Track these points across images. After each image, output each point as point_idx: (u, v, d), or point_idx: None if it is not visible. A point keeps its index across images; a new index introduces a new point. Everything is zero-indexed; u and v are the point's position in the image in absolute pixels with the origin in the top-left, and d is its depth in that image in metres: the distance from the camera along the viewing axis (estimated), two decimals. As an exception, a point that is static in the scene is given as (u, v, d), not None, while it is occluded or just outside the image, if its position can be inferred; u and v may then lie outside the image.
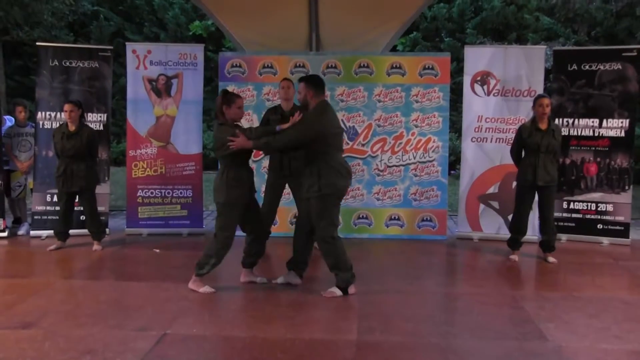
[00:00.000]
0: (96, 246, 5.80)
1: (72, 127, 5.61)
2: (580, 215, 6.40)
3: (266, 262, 5.52)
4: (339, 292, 4.24)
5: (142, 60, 6.55)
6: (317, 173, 4.12)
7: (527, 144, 5.34)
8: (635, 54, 6.30)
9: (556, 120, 6.34)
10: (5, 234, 6.30)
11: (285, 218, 6.42)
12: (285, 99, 5.55)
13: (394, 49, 10.33)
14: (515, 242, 5.57)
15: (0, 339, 3.48)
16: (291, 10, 6.59)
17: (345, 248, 4.28)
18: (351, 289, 4.26)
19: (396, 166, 6.40)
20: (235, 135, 4.21)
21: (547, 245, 5.48)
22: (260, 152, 6.31)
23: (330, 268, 4.28)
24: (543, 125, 5.29)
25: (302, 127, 4.15)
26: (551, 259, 5.45)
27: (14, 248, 6.00)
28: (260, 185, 6.21)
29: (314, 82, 4.30)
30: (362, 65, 6.42)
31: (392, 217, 6.39)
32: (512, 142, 5.65)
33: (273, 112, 5.62)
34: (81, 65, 6.47)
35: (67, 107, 5.61)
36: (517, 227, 5.51)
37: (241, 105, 4.47)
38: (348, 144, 6.37)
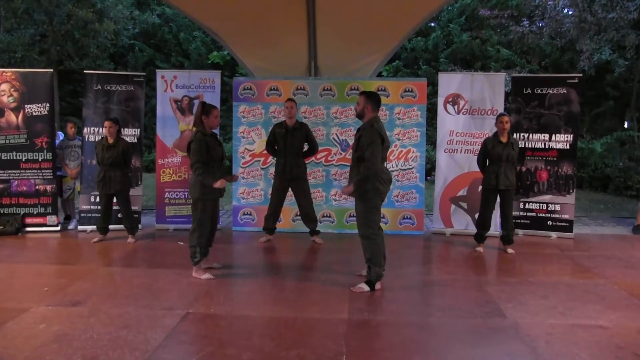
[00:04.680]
0: (130, 239, 5.79)
1: (110, 140, 5.61)
2: (533, 214, 6.40)
3: (273, 253, 5.52)
4: (366, 288, 4.07)
5: (169, 84, 6.55)
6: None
7: (490, 154, 5.34)
8: (577, 80, 6.33)
9: (514, 135, 6.34)
10: (58, 228, 6.30)
11: (288, 216, 6.41)
12: (289, 117, 5.56)
13: (379, 75, 10.34)
14: (480, 237, 5.57)
15: (55, 314, 3.50)
16: (293, 42, 6.60)
17: (384, 246, 4.10)
18: (377, 285, 4.10)
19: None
20: (212, 143, 4.24)
21: (506, 239, 5.48)
22: (269, 160, 6.33)
23: (366, 261, 4.12)
24: (504, 139, 5.29)
25: (375, 140, 3.87)
26: (510, 250, 5.46)
27: (64, 240, 5.98)
28: (268, 188, 6.23)
29: (374, 98, 4.06)
30: (353, 88, 6.42)
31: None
32: (478, 152, 5.65)
33: (279, 126, 5.63)
34: (119, 88, 6.47)
35: (106, 123, 5.62)
36: (482, 224, 5.50)
37: (217, 115, 4.37)
38: (341, 154, 6.38)
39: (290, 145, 5.50)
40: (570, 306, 3.79)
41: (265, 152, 6.00)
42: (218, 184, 4.17)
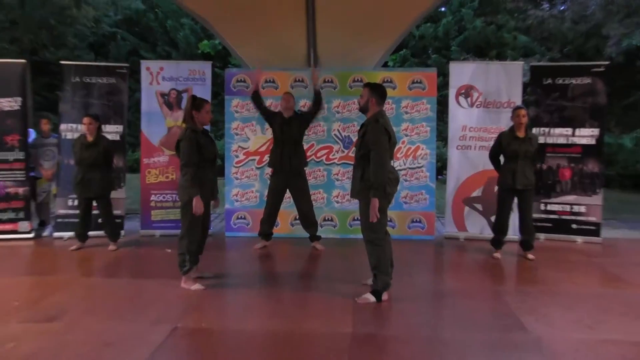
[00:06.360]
0: (112, 246, 5.78)
1: (90, 138, 5.59)
2: (556, 216, 6.39)
3: (270, 260, 5.50)
4: (372, 299, 4.04)
5: (155, 76, 6.54)
6: (369, 179, 3.88)
7: (506, 151, 5.32)
8: (603, 69, 6.31)
9: (533, 130, 6.33)
10: (31, 236, 6.28)
11: (286, 220, 6.39)
12: (286, 108, 5.55)
13: (385, 65, 10.33)
14: (497, 242, 5.54)
15: (26, 332, 3.46)
16: (291, 30, 6.58)
17: (391, 252, 4.09)
18: (384, 296, 4.07)
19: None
20: (202, 141, 4.17)
21: (526, 244, 5.46)
22: (265, 159, 6.31)
23: (371, 268, 4.10)
24: (521, 134, 5.28)
25: (381, 139, 3.87)
26: (530, 256, 5.44)
27: (39, 248, 5.96)
28: (263, 190, 6.21)
29: (379, 91, 4.04)
30: (356, 79, 6.41)
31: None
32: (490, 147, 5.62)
33: (278, 114, 5.60)
34: (100, 81, 6.46)
35: (85, 120, 5.60)
36: (499, 228, 5.48)
37: (209, 110, 4.36)
38: (344, 151, 6.37)
39: (288, 134, 5.48)
40: (600, 319, 3.77)
41: (261, 150, 5.99)
42: (196, 207, 4.13)
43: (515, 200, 5.41)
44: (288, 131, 5.49)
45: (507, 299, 4.17)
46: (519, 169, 5.24)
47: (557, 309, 3.95)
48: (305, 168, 5.72)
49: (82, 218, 5.74)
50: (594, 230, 6.26)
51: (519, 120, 5.25)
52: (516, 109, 5.35)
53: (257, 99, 5.64)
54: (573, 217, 6.32)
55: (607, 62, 6.52)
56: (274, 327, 3.56)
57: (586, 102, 6.30)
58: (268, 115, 5.62)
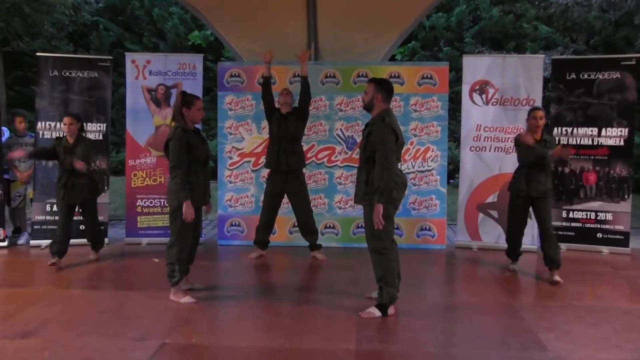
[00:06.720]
0: (92, 255, 5.78)
1: (71, 140, 5.55)
2: (579, 225, 6.41)
3: (266, 271, 5.54)
4: (377, 313, 4.07)
5: (142, 70, 6.59)
6: (374, 183, 3.90)
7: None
8: (634, 62, 6.33)
9: (555, 129, 6.37)
10: (5, 244, 6.32)
11: (284, 227, 6.43)
12: (284, 104, 5.60)
13: (392, 59, 10.37)
14: (513, 253, 5.52)
15: (-1, 349, 3.48)
16: (290, 21, 6.62)
17: (398, 263, 4.12)
18: (391, 310, 4.10)
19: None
20: (192, 141, 4.21)
21: (551, 261, 5.13)
22: (261, 161, 6.35)
23: (377, 280, 4.12)
24: (537, 137, 5.27)
25: (387, 139, 3.90)
26: (557, 277, 5.04)
27: (13, 257, 6.00)
28: (259, 195, 6.25)
29: (386, 87, 4.08)
30: (360, 74, 6.46)
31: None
32: (519, 153, 5.35)
33: (277, 110, 5.65)
34: (81, 75, 6.51)
35: (66, 120, 5.48)
36: (513, 238, 5.45)
37: (200, 107, 4.39)
38: (347, 153, 6.41)
39: (285, 130, 5.54)
40: (628, 337, 3.78)
41: (256, 151, 6.03)
42: (186, 213, 4.15)
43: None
44: (285, 128, 5.54)
45: (525, 315, 4.19)
46: (533, 174, 5.21)
47: (580, 326, 3.97)
48: (304, 169, 5.77)
49: (63, 227, 5.55)
50: (621, 240, 6.28)
51: (535, 122, 5.19)
52: (532, 110, 5.28)
53: (267, 84, 5.65)
54: (598, 226, 6.35)
55: (638, 55, 6.52)
56: (270, 344, 3.59)
57: (614, 99, 6.32)
58: (270, 108, 5.65)
